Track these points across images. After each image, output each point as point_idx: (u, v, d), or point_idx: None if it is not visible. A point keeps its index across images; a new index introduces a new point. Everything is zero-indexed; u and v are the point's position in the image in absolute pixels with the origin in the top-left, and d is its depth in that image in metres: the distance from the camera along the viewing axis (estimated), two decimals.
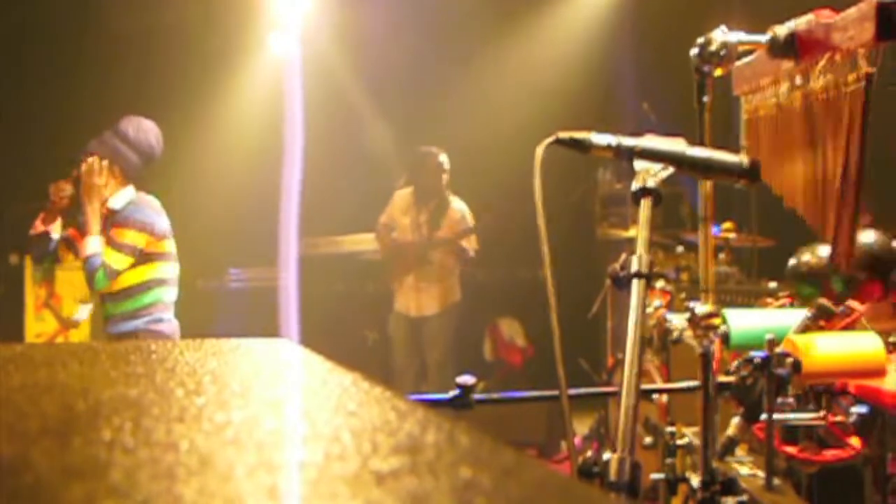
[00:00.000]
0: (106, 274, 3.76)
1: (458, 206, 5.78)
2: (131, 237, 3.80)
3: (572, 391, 1.59)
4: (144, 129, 3.96)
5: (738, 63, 2.05)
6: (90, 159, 3.87)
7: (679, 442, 2.15)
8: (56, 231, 3.99)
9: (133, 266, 3.83)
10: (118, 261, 3.78)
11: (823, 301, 2.18)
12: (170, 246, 3.94)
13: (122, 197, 3.90)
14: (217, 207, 6.35)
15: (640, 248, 1.41)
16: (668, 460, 2.07)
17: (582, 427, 5.32)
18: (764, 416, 1.95)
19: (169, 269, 3.94)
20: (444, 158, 5.76)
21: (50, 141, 6.21)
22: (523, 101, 7.00)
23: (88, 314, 4.05)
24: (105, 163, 3.87)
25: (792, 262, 3.05)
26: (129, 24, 6.55)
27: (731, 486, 1.85)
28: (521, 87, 7.26)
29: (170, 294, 3.95)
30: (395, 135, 7.36)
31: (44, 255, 4.04)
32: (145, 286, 3.89)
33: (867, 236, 2.73)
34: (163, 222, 3.91)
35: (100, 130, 3.99)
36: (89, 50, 6.64)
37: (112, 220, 3.86)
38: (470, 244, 5.77)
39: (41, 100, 6.54)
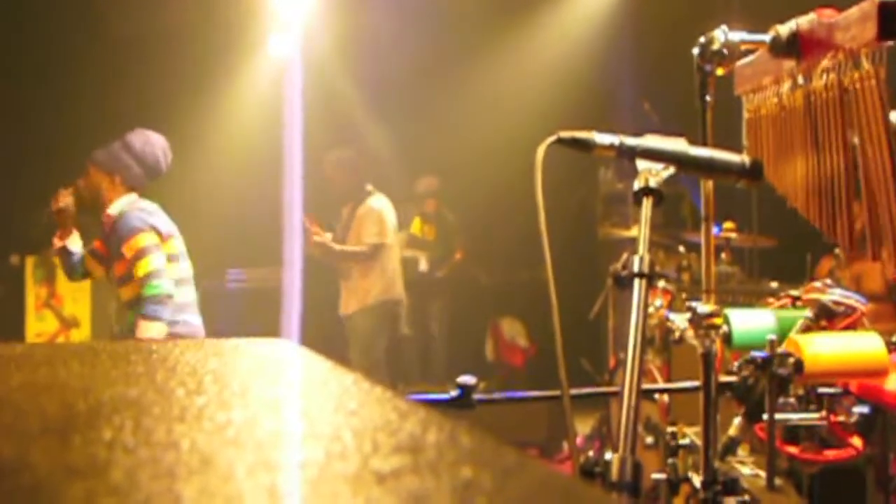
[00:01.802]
0: (156, 278, 3.72)
1: (370, 205, 5.60)
2: (143, 239, 3.78)
3: (574, 391, 1.59)
4: (151, 143, 3.96)
5: (739, 62, 2.04)
6: (59, 193, 3.88)
7: (680, 442, 2.15)
8: (74, 245, 4.00)
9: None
10: (153, 261, 3.74)
11: (825, 301, 2.18)
12: (175, 246, 3.91)
13: (118, 204, 3.90)
14: (217, 208, 6.36)
15: (642, 247, 1.41)
16: (670, 460, 2.07)
17: (583, 427, 5.32)
18: (765, 416, 1.95)
19: (177, 270, 3.91)
20: (343, 160, 5.64)
21: (50, 143, 6.22)
22: (524, 100, 7.00)
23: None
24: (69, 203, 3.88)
25: None
26: (130, 27, 6.56)
27: (732, 486, 1.85)
28: (522, 86, 7.26)
29: (182, 294, 3.89)
30: (395, 137, 7.37)
31: (71, 270, 4.05)
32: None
33: None
34: (162, 222, 3.90)
35: (101, 133, 4.00)
36: (91, 53, 6.65)
37: (115, 236, 3.85)
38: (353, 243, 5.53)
39: (42, 102, 6.55)
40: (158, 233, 3.84)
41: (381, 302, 5.56)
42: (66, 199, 3.90)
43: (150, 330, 3.70)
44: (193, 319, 3.94)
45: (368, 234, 5.54)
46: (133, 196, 3.94)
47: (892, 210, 1.67)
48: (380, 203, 5.64)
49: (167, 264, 3.85)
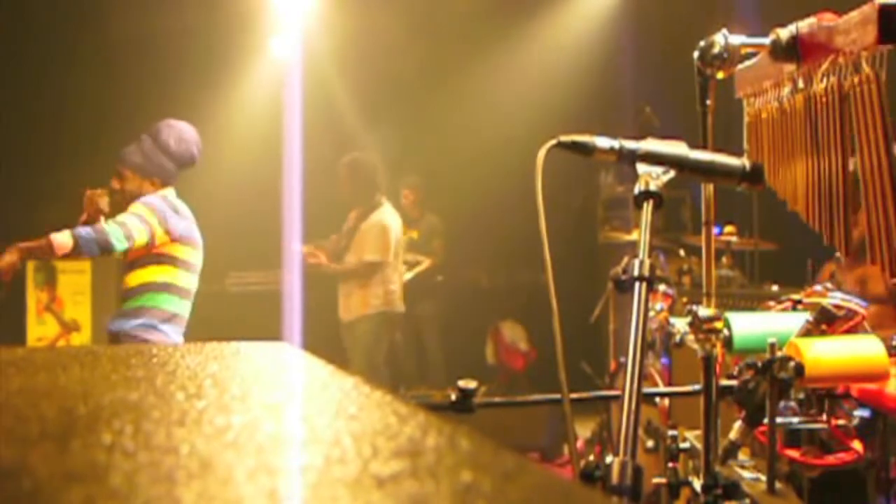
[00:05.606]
0: (121, 226, 3.63)
1: (378, 218, 5.57)
2: (139, 209, 3.72)
3: (574, 395, 1.59)
4: (186, 140, 3.95)
5: (740, 66, 2.04)
6: (94, 192, 3.84)
7: (681, 446, 2.14)
8: None
9: (138, 267, 3.79)
10: (132, 218, 3.67)
11: (826, 305, 2.17)
12: (184, 253, 3.84)
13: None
14: (217, 211, 6.35)
15: (643, 251, 1.41)
16: (670, 464, 2.06)
17: (584, 431, 5.31)
18: (766, 420, 1.95)
19: (179, 277, 3.83)
20: (357, 164, 5.62)
21: (49, 146, 6.22)
22: (525, 104, 7.01)
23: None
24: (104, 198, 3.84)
25: None
26: (130, 29, 6.56)
27: (733, 490, 1.85)
28: (522, 90, 7.27)
29: (175, 304, 3.82)
30: (395, 139, 7.37)
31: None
32: (144, 288, 3.80)
33: None
34: (179, 224, 3.82)
35: (100, 136, 3.98)
36: (91, 55, 6.65)
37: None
38: (359, 257, 5.52)
39: (41, 105, 6.55)
40: (167, 228, 3.78)
41: (380, 312, 5.56)
42: (101, 201, 3.85)
43: (61, 236, 3.57)
44: (173, 334, 3.83)
45: (369, 251, 5.52)
46: (167, 191, 3.92)
47: (889, 216, 1.67)
48: (387, 217, 5.61)
49: (168, 268, 3.81)
